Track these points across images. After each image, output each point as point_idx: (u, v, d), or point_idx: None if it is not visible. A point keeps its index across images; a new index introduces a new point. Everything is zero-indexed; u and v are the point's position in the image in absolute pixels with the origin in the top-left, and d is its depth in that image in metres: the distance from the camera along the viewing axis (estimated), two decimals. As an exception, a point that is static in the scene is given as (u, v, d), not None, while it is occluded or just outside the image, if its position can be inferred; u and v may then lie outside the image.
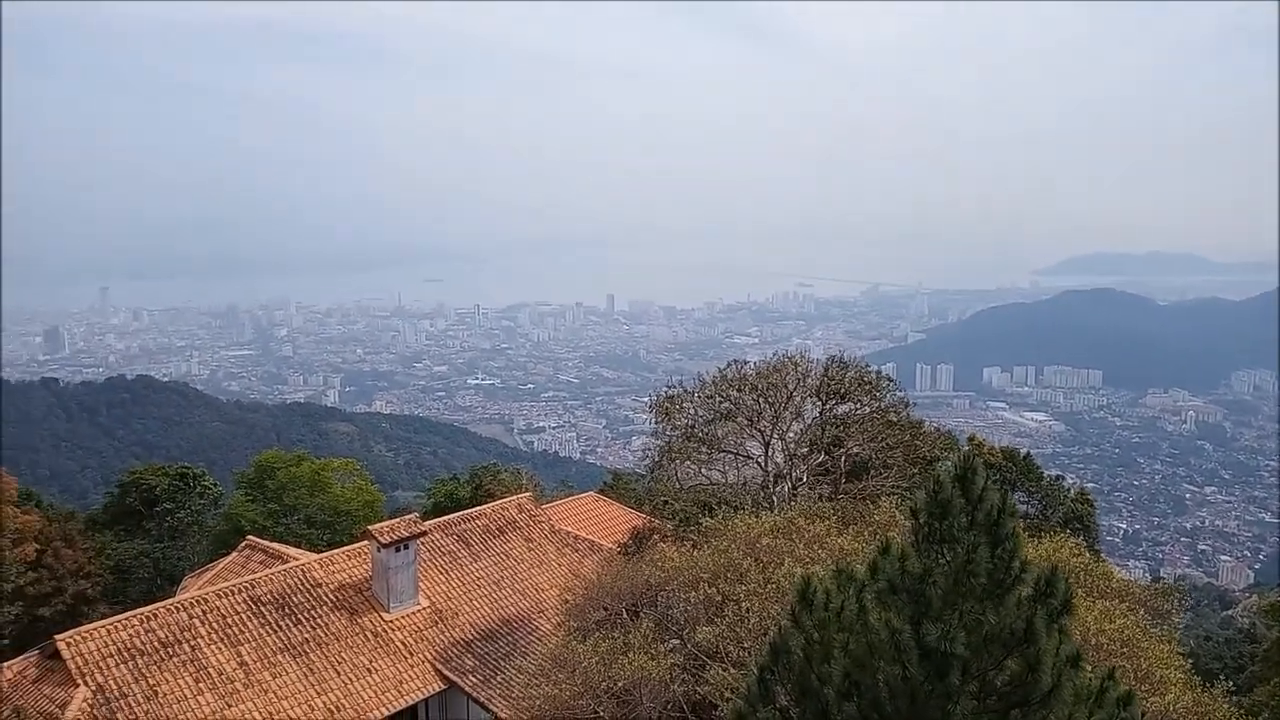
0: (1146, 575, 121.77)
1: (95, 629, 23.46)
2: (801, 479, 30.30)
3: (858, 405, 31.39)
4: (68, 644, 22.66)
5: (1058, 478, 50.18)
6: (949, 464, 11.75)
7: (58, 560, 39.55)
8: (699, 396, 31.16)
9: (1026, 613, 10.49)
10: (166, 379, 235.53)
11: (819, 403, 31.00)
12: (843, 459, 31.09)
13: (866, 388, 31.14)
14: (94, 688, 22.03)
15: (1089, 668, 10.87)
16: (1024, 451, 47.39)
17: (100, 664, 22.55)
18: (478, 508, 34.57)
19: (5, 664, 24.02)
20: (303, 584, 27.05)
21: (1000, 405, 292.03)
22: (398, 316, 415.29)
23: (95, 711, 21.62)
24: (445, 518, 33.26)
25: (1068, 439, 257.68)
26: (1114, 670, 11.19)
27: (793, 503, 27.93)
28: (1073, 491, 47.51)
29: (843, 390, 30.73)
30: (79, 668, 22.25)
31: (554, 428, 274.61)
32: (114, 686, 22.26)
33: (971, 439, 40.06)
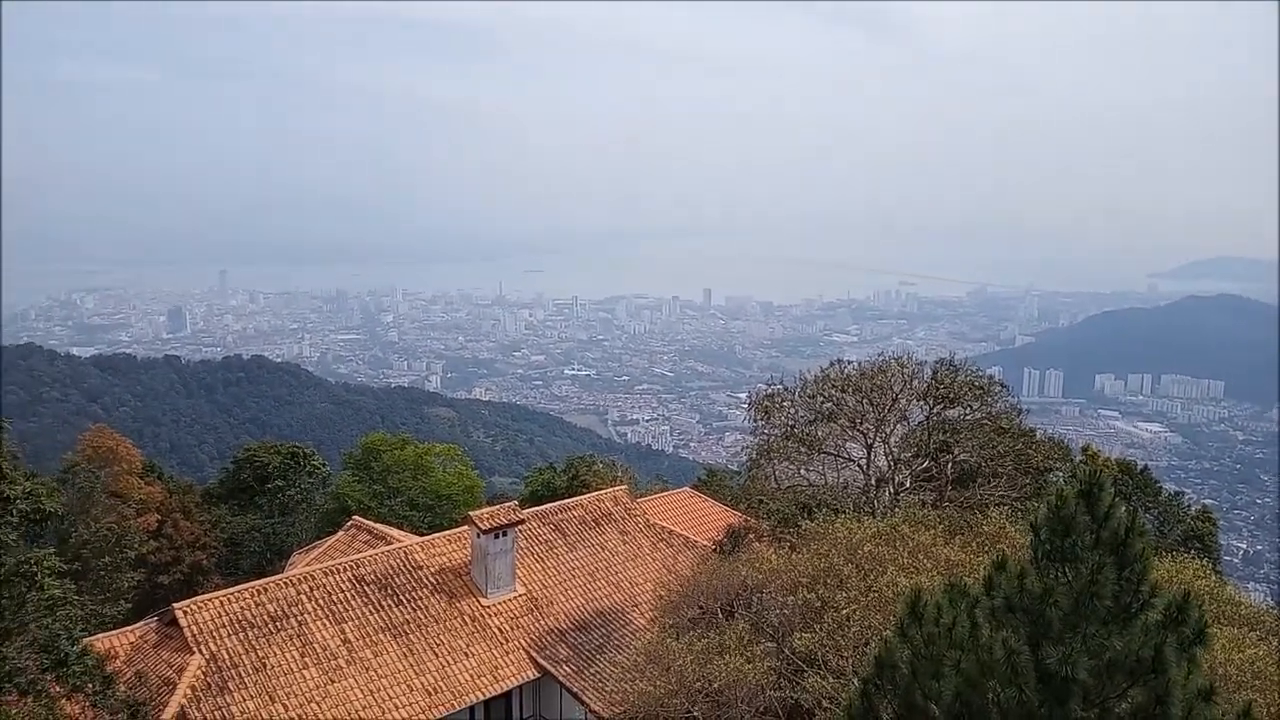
0: (1269, 600, 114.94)
1: (210, 599, 24.53)
2: (905, 484, 29.51)
3: (966, 410, 30.38)
4: (184, 612, 23.76)
5: (1177, 494, 47.71)
6: (1072, 478, 11.21)
7: (177, 531, 41.59)
8: (799, 395, 30.66)
9: (1155, 640, 9.93)
10: (279, 360, 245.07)
11: (925, 406, 30.11)
12: (949, 465, 30.15)
13: (977, 392, 30.11)
14: (207, 656, 23.03)
15: (1221, 702, 10.22)
16: (1140, 465, 45.20)
17: (214, 634, 23.56)
18: (574, 498, 34.85)
19: (128, 629, 25.34)
20: (404, 565, 27.72)
21: (1113, 414, 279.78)
22: (498, 306, 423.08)
23: (208, 679, 22.60)
24: (542, 507, 33.63)
25: (1184, 452, 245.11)
26: (1249, 706, 10.50)
27: (895, 509, 27.23)
28: (1193, 509, 45.08)
29: (951, 394, 29.77)
30: (194, 636, 23.30)
31: (648, 420, 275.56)
32: (226, 656, 23.23)
33: (1086, 449, 38.36)
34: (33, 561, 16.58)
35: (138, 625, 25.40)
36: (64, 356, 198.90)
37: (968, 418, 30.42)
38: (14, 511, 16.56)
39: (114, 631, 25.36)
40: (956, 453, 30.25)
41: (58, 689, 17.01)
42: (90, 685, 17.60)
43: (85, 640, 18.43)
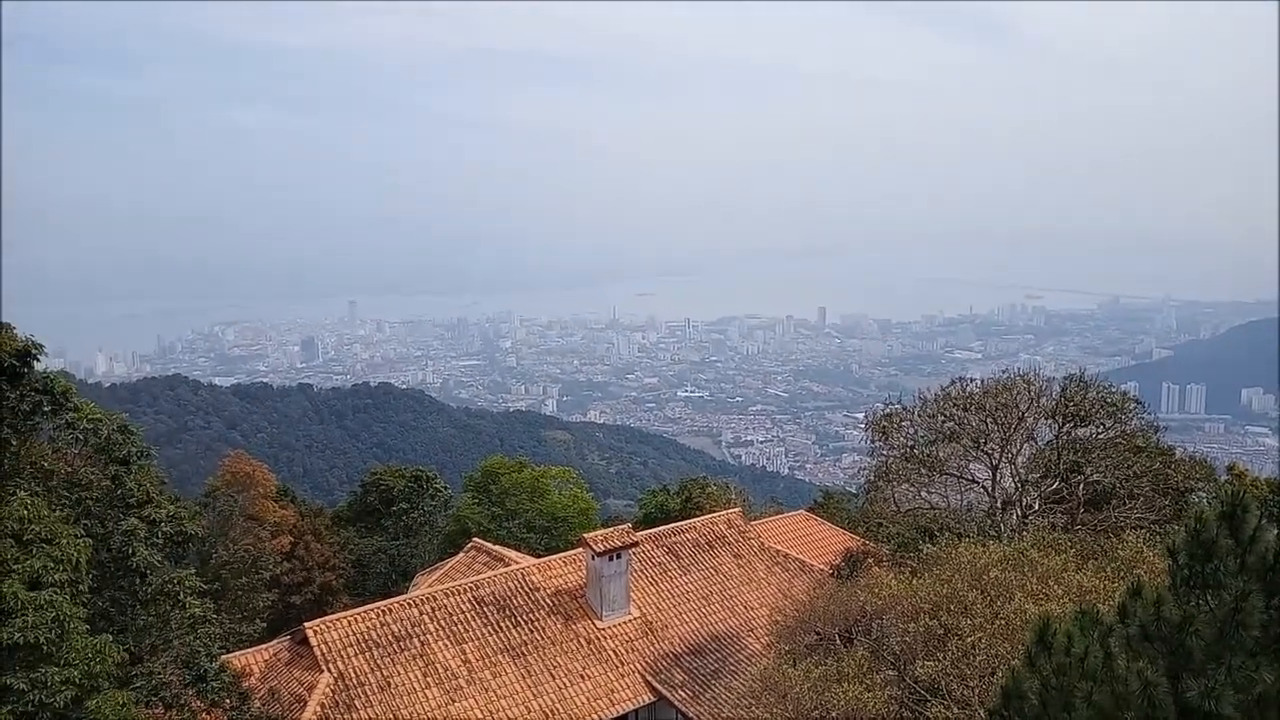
0: None
1: (338, 619, 25.42)
2: (1032, 507, 28.19)
3: (1099, 429, 28.86)
4: (314, 631, 24.68)
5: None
6: (1214, 499, 10.51)
7: (308, 553, 43.32)
8: (919, 415, 29.75)
9: (1312, 675, 9.14)
10: (405, 386, 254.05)
11: (1054, 425, 28.75)
12: (1080, 487, 28.67)
13: (1110, 410, 28.57)
14: (335, 675, 23.85)
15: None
16: (1295, 484, 41.92)
17: (341, 653, 24.40)
18: (687, 521, 34.71)
19: (262, 646, 26.51)
20: (522, 587, 28.12)
21: (1261, 430, 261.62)
22: (612, 329, 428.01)
23: (336, 697, 23.39)
24: (656, 529, 33.62)
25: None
26: None
27: (1023, 532, 26.04)
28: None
29: (1082, 412, 28.35)
30: (323, 655, 24.18)
31: (762, 442, 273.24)
32: (353, 675, 24.01)
33: (1232, 468, 35.79)
34: (176, 581, 17.54)
35: (271, 644, 26.54)
36: (207, 386, 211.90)
37: (1100, 436, 28.88)
38: (159, 534, 17.56)
39: (249, 649, 26.56)
40: (1089, 473, 28.73)
41: (198, 703, 17.90)
42: (227, 700, 18.49)
43: (223, 657, 19.38)
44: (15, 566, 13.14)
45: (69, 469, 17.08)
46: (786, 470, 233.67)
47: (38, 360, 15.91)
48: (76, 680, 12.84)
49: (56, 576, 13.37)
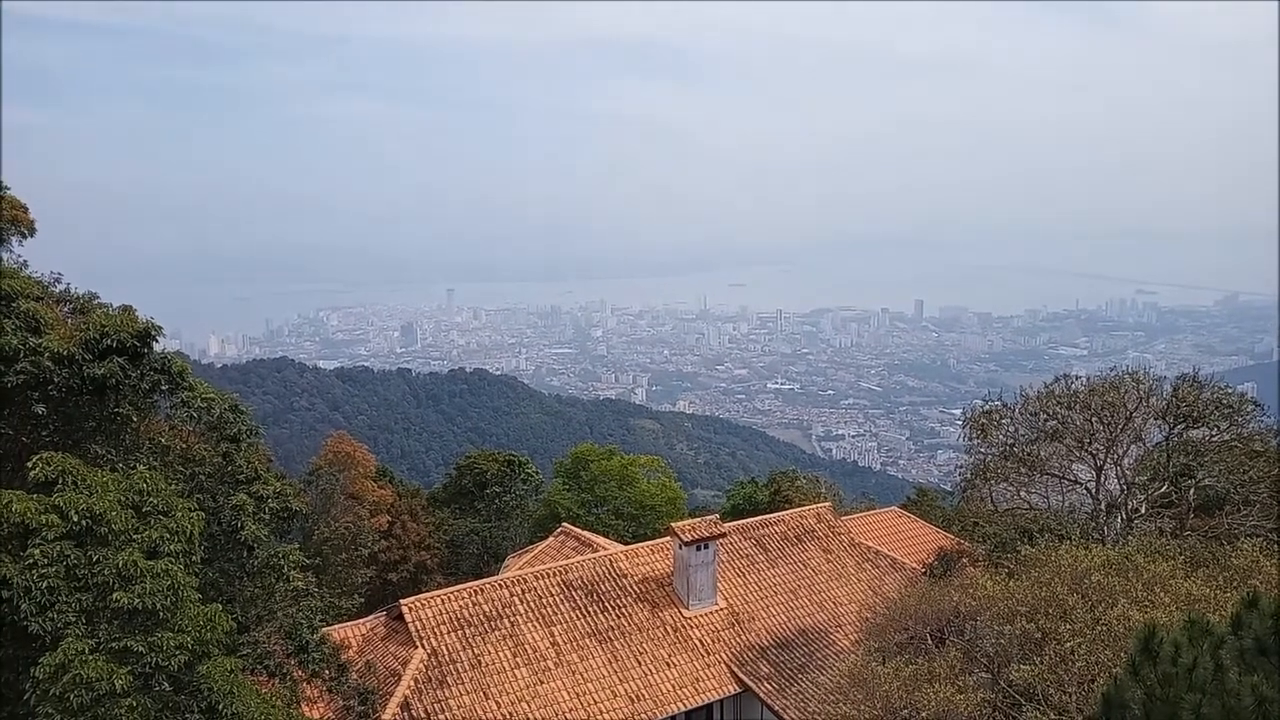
0: None
1: (432, 597, 26.13)
2: (1139, 510, 27.05)
3: (1213, 431, 27.46)
4: (409, 609, 25.44)
5: None
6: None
7: (405, 532, 44.62)
8: (1020, 413, 28.83)
9: None
10: (499, 373, 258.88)
11: (1165, 426, 27.48)
12: (1191, 491, 27.36)
13: (1225, 411, 27.13)
14: (429, 651, 24.53)
15: None
16: None
17: (435, 630, 25.08)
18: (776, 513, 34.46)
19: (360, 621, 27.44)
20: (610, 573, 28.39)
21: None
22: (702, 320, 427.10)
23: (429, 673, 24.06)
24: (743, 521, 33.48)
25: None
26: None
27: (1128, 537, 25.04)
28: None
29: (1195, 413, 27.01)
30: (418, 631, 24.90)
31: (853, 436, 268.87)
32: (445, 652, 24.66)
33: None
34: (280, 555, 18.23)
35: (368, 619, 27.46)
36: (312, 369, 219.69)
37: (1214, 439, 27.47)
38: (266, 510, 18.27)
39: (348, 623, 27.57)
40: (1200, 477, 27.37)
41: (299, 673, 18.64)
42: (327, 671, 19.18)
43: (323, 630, 20.10)
44: (135, 536, 13.87)
45: (184, 445, 17.94)
46: (879, 466, 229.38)
47: (156, 341, 16.68)
48: (189, 646, 13.49)
49: (172, 547, 14.07)
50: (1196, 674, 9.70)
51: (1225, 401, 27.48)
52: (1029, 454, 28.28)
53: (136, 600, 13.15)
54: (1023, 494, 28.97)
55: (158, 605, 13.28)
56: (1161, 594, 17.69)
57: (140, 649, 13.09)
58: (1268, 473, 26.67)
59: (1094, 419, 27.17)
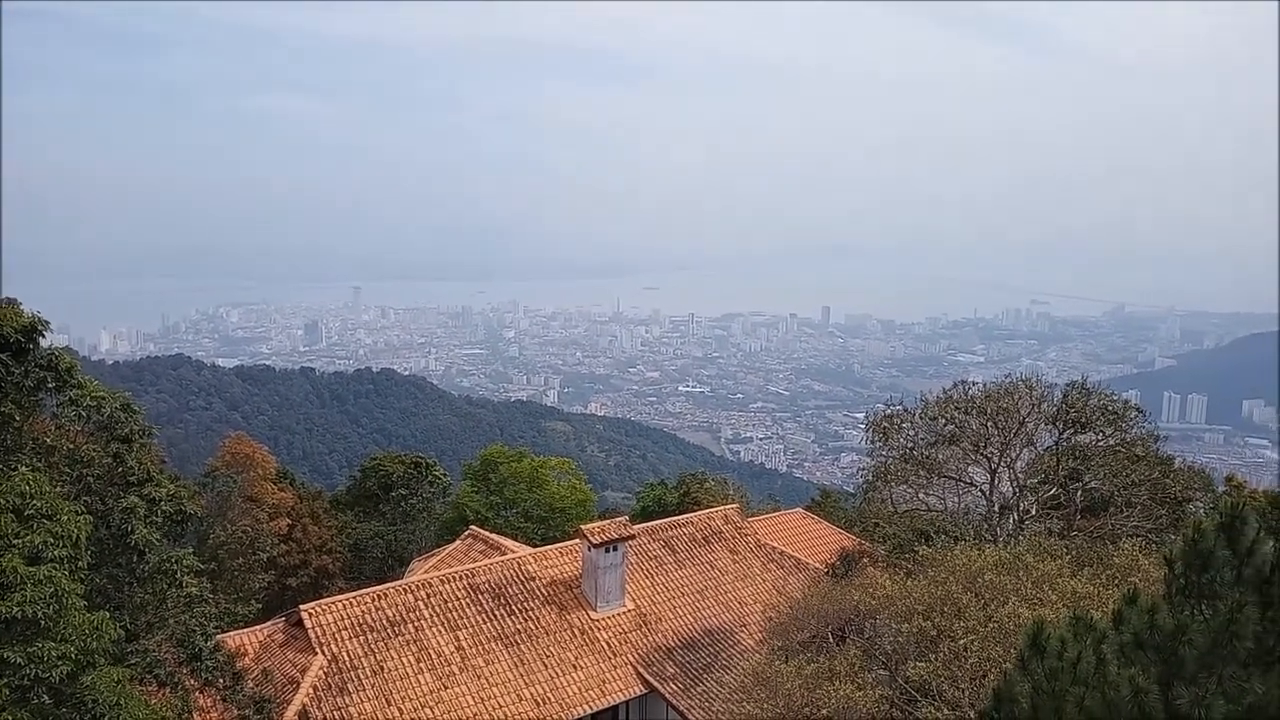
0: None
1: (333, 603, 25.50)
2: (1029, 512, 28.21)
3: (1099, 436, 28.83)
4: (309, 614, 24.77)
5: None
6: (1213, 509, 10.55)
7: (306, 535, 43.39)
8: (920, 417, 29.74)
9: (1304, 688, 9.17)
10: (407, 373, 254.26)
11: (1055, 431, 28.74)
12: (1078, 493, 28.68)
13: (1110, 417, 28.52)
14: (329, 658, 23.93)
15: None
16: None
17: (336, 635, 24.48)
18: (685, 515, 34.77)
19: (257, 627, 26.59)
20: (518, 576, 28.19)
21: (1262, 442, 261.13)
22: (616, 322, 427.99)
23: (330, 680, 23.47)
24: (653, 523, 33.67)
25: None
26: None
27: (1019, 537, 26.07)
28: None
29: (1083, 419, 28.32)
30: (318, 637, 24.26)
31: (761, 439, 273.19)
32: (347, 658, 24.09)
33: (1230, 479, 35.75)
34: (174, 560, 17.56)
35: (266, 625, 26.63)
36: (210, 367, 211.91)
37: (1100, 444, 28.86)
38: (159, 513, 17.54)
39: (245, 630, 26.66)
40: (1087, 480, 28.74)
41: (192, 682, 17.97)
42: (221, 680, 18.54)
43: (218, 637, 19.41)
44: (15, 541, 13.17)
45: (71, 445, 17.11)
46: (785, 468, 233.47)
47: (42, 336, 15.92)
48: (73, 656, 12.88)
49: (56, 552, 13.40)
50: (1080, 668, 10.13)
51: (1111, 408, 28.87)
52: (928, 457, 29.18)
53: (16, 609, 12.48)
54: (921, 496, 29.86)
55: (39, 614, 12.64)
56: (1049, 592, 18.49)
57: (19, 660, 12.44)
58: (1148, 476, 28.15)
59: (989, 424, 28.21)
